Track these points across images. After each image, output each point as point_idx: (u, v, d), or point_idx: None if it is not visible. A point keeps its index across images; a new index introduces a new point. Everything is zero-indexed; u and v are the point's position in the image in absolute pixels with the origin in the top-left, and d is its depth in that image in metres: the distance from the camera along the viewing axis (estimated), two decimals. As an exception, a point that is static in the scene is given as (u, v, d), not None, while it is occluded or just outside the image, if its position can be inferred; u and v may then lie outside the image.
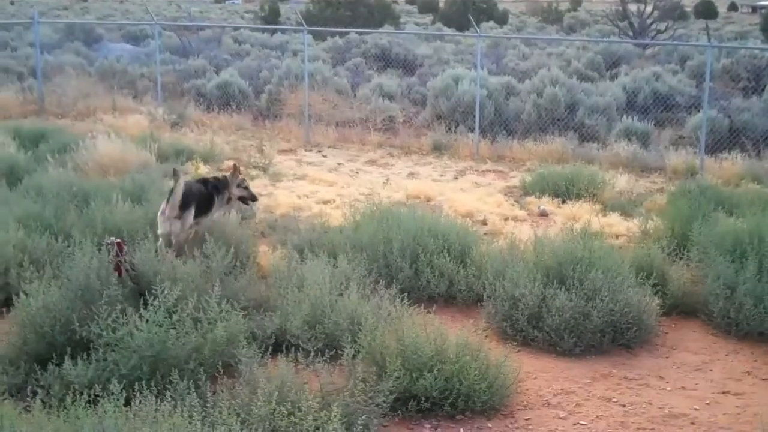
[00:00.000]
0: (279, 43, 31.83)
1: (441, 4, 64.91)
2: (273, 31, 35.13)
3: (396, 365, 5.69)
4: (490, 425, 5.79)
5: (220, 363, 5.70)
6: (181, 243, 7.96)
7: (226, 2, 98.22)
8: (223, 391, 5.27)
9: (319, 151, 16.67)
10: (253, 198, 9.24)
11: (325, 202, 11.86)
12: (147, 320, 5.69)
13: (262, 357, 5.78)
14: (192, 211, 8.04)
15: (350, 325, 6.38)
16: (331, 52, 28.00)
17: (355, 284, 6.94)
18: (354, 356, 5.75)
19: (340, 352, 5.87)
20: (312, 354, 5.74)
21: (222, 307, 6.09)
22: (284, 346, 6.26)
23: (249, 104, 20.43)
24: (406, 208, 9.74)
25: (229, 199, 8.87)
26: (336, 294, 6.80)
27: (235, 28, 36.64)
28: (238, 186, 8.96)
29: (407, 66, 25.15)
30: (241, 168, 12.35)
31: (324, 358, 5.69)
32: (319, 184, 13.20)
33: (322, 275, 7.02)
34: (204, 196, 8.45)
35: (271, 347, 6.14)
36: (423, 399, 5.76)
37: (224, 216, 8.72)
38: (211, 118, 18.93)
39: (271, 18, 50.19)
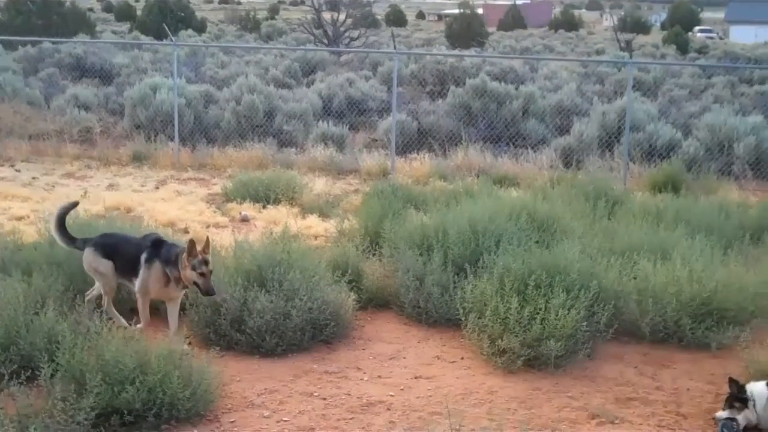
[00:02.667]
0: (-36, 53, 29.88)
1: (138, 13, 63.44)
2: (-44, 41, 32.92)
3: (96, 381, 5.60)
4: (195, 431, 5.86)
5: None
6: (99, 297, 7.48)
7: None
8: None
9: (12, 166, 15.87)
10: (207, 291, 6.96)
11: (19, 219, 11.34)
12: None
13: (-49, 385, 5.51)
14: (105, 260, 7.31)
15: (47, 344, 6.18)
16: (22, 62, 26.71)
17: (52, 302, 6.74)
18: (52, 375, 5.63)
19: (37, 372, 5.71)
20: (6, 377, 5.55)
21: None
22: (-24, 371, 5.98)
23: (-69, 119, 19.08)
24: (105, 221, 9.56)
25: (178, 280, 7.06)
26: (31, 313, 6.58)
27: None
28: (193, 269, 6.90)
29: (104, 75, 24.63)
30: None
31: (20, 380, 5.53)
32: (12, 200, 12.59)
33: (15, 294, 6.77)
34: (129, 252, 7.31)
35: (-40, 374, 5.86)
36: (126, 412, 5.69)
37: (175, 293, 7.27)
38: None
39: (-44, 27, 46.91)
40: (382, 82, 24.23)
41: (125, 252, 7.29)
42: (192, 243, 6.93)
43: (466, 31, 57.18)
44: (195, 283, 6.95)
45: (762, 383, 6.03)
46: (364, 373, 6.93)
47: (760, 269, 8.47)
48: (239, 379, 6.70)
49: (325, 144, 16.77)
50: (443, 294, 7.85)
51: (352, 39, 42.81)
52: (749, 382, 6.13)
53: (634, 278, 7.88)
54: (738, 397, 5.97)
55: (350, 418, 6.10)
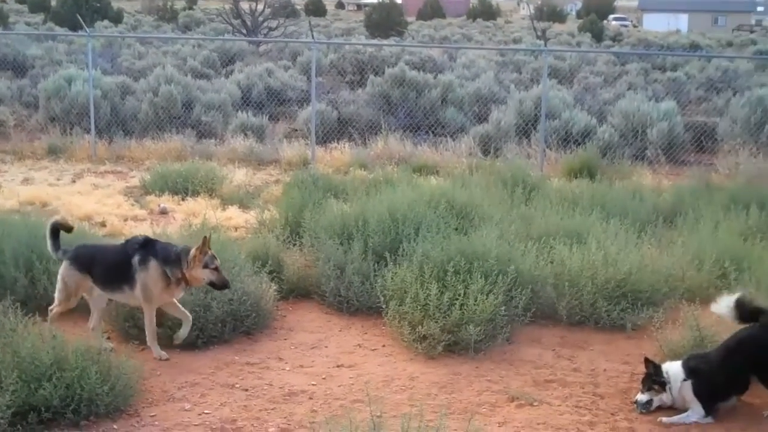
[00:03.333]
0: None
1: (53, 3, 62.01)
2: None
3: (12, 378, 5.50)
4: (115, 426, 5.77)
5: None
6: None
7: None
8: None
9: None
10: (225, 285, 6.86)
11: (-70, 215, 11.04)
12: None
13: None
14: (79, 275, 6.88)
15: (-39, 342, 6.06)
16: (-70, 55, 25.95)
17: (-35, 299, 6.59)
18: (-35, 375, 5.52)
19: (-50, 373, 5.59)
20: None
21: None
22: None
23: None
24: (19, 216, 9.37)
25: (186, 281, 6.76)
26: (-57, 311, 6.42)
27: None
28: (206, 267, 6.71)
29: (17, 68, 24.02)
30: None
31: (-69, 379, 5.39)
32: None
33: None
34: (114, 260, 6.89)
35: None
36: (44, 409, 5.59)
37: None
38: None
39: None
40: (301, 72, 24.17)
41: (104, 260, 6.94)
42: (205, 240, 6.69)
43: (385, 21, 57.25)
44: (211, 282, 6.74)
45: (677, 363, 6.17)
46: (286, 363, 6.94)
47: (673, 251, 8.70)
48: (159, 372, 6.63)
49: (245, 134, 16.68)
50: (364, 282, 7.89)
51: (271, 29, 42.48)
52: (665, 362, 6.27)
53: (551, 262, 8.03)
54: (657, 380, 6.09)
55: (272, 409, 6.10)
